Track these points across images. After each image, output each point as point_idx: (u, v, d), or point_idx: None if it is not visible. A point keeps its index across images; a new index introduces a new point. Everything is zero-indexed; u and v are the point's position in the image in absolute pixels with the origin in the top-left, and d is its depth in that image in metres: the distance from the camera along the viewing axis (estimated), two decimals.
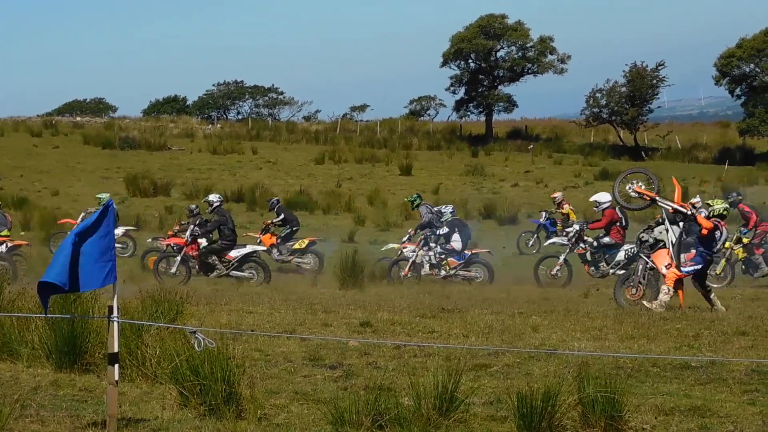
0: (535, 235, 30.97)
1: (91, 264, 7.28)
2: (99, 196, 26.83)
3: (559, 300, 18.04)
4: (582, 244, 22.21)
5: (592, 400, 7.58)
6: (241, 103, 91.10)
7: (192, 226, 23.67)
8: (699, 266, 16.08)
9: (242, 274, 23.13)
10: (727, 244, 20.77)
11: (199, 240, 23.55)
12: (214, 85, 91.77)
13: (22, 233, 32.74)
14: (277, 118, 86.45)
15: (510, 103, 75.00)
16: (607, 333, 12.64)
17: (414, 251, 23.82)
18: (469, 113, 76.49)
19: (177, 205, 38.72)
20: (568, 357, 10.49)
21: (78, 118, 74.76)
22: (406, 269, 23.53)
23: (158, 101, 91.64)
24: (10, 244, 25.76)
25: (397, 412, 7.47)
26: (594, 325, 13.34)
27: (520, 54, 73.89)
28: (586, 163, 58.73)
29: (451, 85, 75.32)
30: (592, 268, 22.11)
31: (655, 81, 69.37)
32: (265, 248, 25.73)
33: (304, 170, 53.21)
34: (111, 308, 7.49)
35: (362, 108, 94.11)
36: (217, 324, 12.62)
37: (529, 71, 74.36)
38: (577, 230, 22.38)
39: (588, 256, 22.13)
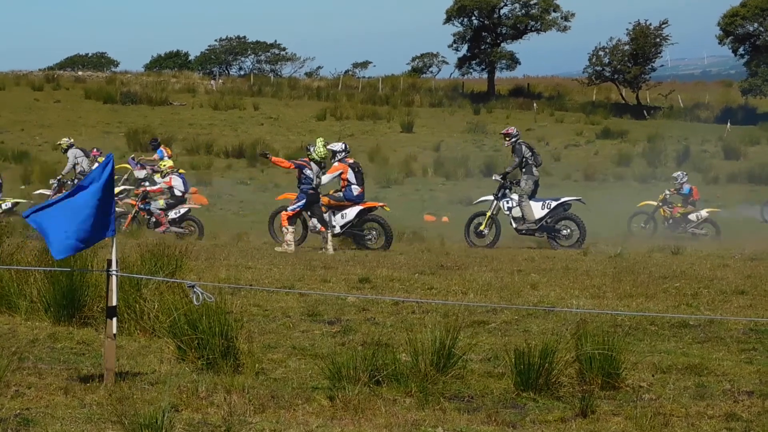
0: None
1: (102, 217, 7.26)
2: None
3: (558, 258, 18.06)
4: None
5: (589, 358, 7.59)
6: (243, 59, 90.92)
7: None
8: (302, 201, 19.52)
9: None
10: None
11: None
12: (216, 40, 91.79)
13: (22, 187, 32.78)
14: (279, 74, 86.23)
15: (512, 61, 74.71)
16: (606, 291, 12.65)
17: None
18: (471, 70, 76.30)
19: (177, 160, 38.61)
20: (566, 314, 10.51)
21: (80, 73, 74.55)
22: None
23: (160, 56, 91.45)
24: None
25: (395, 368, 7.48)
26: (592, 283, 13.36)
27: (523, 11, 73.47)
28: (588, 121, 58.57)
29: (454, 42, 75.03)
30: None
31: (658, 39, 69.11)
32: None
33: (306, 126, 53.11)
34: (110, 262, 7.47)
35: (364, 64, 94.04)
36: (216, 279, 12.65)
37: (533, 29, 74.01)
38: None
39: None
